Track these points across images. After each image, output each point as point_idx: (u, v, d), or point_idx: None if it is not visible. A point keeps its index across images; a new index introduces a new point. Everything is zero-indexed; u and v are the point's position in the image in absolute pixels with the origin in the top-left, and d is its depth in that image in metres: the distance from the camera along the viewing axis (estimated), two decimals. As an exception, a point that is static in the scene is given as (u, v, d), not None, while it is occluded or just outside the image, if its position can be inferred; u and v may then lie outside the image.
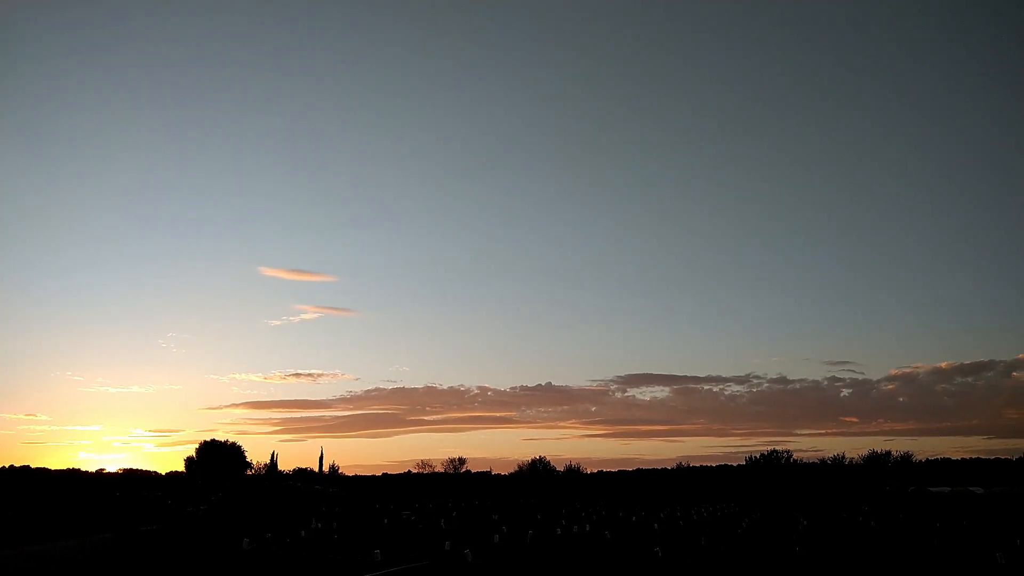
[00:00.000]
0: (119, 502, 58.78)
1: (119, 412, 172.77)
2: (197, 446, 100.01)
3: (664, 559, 23.05)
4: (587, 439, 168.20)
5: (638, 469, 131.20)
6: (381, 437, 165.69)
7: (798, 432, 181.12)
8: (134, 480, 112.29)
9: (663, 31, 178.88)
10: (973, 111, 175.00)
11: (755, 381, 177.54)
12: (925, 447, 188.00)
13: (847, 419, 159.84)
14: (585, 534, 32.90)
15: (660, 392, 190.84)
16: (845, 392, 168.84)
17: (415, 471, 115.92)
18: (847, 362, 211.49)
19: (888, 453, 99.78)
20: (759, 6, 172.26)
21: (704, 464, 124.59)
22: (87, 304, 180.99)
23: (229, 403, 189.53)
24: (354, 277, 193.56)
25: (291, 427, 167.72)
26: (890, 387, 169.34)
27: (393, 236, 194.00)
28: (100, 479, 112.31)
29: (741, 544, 28.32)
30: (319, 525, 35.92)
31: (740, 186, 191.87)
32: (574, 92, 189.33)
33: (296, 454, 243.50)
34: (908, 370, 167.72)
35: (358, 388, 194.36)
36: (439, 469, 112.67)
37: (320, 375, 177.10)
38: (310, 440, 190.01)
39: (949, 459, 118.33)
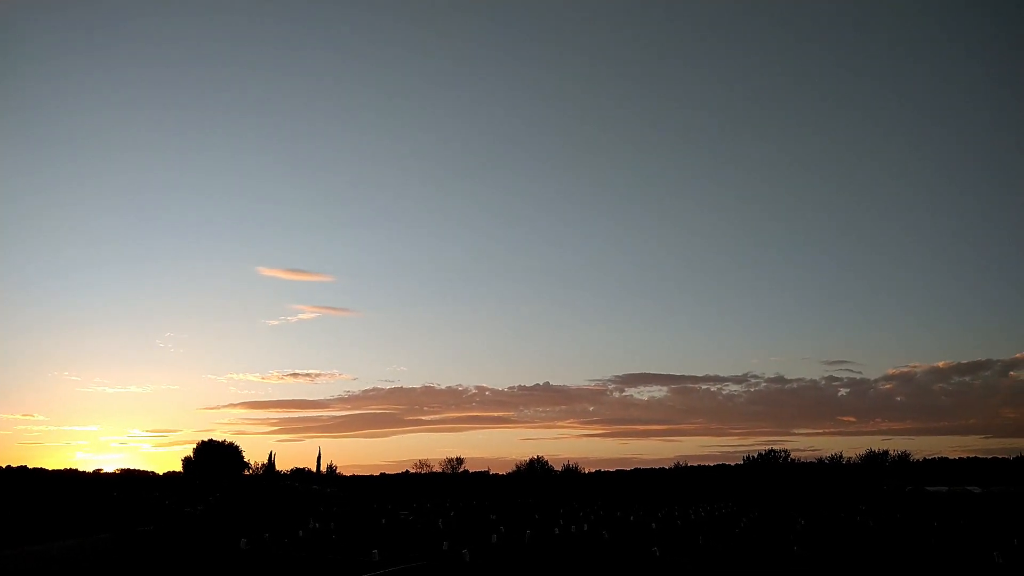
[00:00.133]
0: (116, 502, 58.67)
1: (116, 412, 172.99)
2: (195, 446, 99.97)
3: (662, 559, 23.07)
4: (585, 439, 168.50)
5: (636, 469, 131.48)
6: (379, 437, 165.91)
7: (796, 431, 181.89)
8: (131, 480, 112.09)
9: (662, 31, 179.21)
10: (973, 112, 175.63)
11: (753, 381, 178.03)
12: (922, 446, 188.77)
13: (845, 419, 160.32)
14: (583, 534, 32.90)
15: (658, 392, 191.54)
16: (843, 392, 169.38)
17: (413, 471, 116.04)
18: (845, 362, 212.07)
19: (886, 452, 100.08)
20: (759, 6, 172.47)
21: (702, 464, 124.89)
22: (85, 304, 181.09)
23: (227, 403, 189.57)
24: (352, 277, 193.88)
25: (289, 427, 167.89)
26: (888, 387, 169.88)
27: (391, 236, 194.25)
28: (97, 479, 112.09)
29: (739, 544, 28.34)
30: (317, 525, 35.88)
31: (739, 186, 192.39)
32: (572, 92, 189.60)
33: (294, 454, 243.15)
34: (905, 370, 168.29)
35: (356, 388, 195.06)
36: (437, 469, 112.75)
37: (318, 375, 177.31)
38: (308, 440, 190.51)
39: (946, 458, 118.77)
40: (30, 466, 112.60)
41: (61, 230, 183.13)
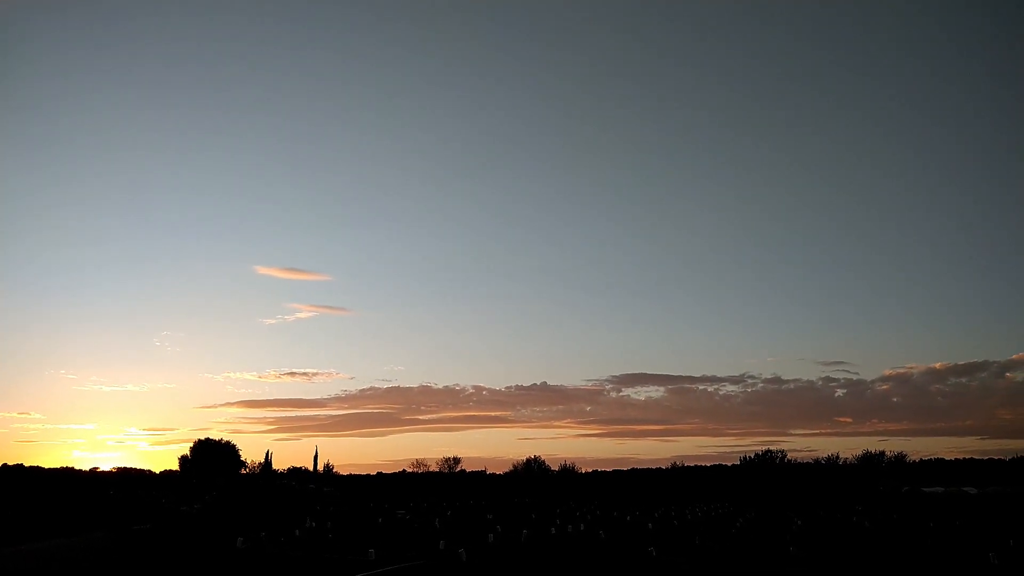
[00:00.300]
0: (113, 501, 58.64)
1: (113, 411, 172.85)
2: (191, 445, 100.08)
3: (658, 559, 23.08)
4: (582, 439, 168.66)
5: (633, 469, 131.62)
6: (376, 436, 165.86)
7: (792, 432, 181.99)
8: (128, 479, 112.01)
9: (661, 31, 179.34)
10: (973, 115, 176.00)
11: (750, 381, 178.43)
12: (919, 447, 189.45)
13: (841, 419, 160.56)
14: (580, 534, 32.91)
15: (655, 392, 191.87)
16: (839, 392, 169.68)
17: (410, 470, 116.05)
18: (841, 362, 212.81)
19: (882, 453, 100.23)
20: (758, 6, 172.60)
21: (699, 464, 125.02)
22: (82, 302, 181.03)
23: (224, 402, 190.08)
24: (349, 276, 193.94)
25: (286, 426, 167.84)
26: (884, 387, 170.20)
27: (388, 235, 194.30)
28: (94, 478, 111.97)
29: (735, 544, 28.36)
30: (313, 524, 35.86)
31: (736, 187, 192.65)
32: (568, 92, 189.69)
33: (291, 453, 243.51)
34: (902, 370, 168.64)
35: (353, 387, 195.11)
36: (434, 468, 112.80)
37: (315, 374, 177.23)
38: (305, 439, 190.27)
39: (943, 459, 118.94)
40: (27, 464, 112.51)
41: (58, 229, 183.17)
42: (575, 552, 25.50)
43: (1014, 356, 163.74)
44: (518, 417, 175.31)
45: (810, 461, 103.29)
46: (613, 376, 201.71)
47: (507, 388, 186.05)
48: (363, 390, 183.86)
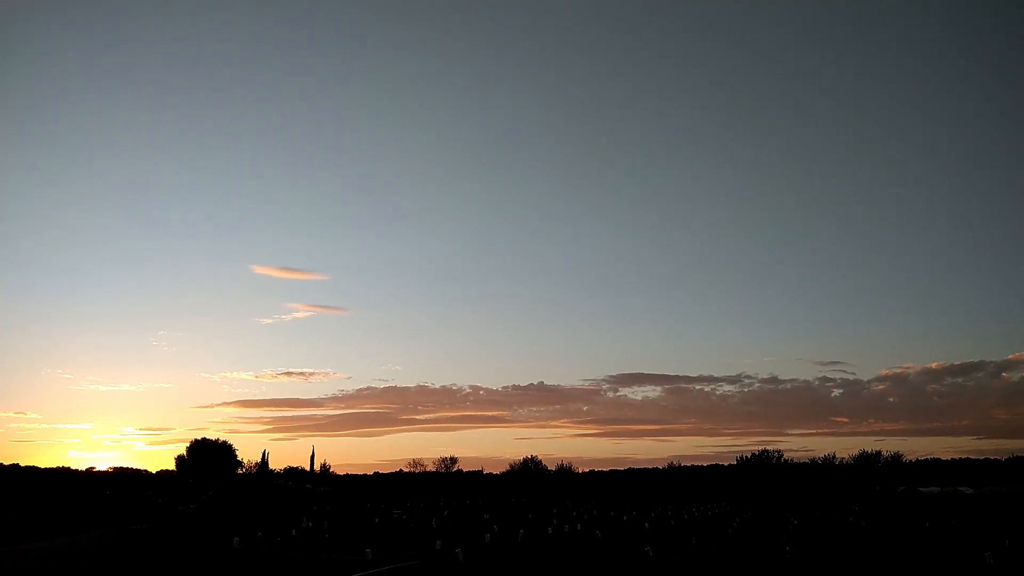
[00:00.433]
0: (109, 501, 58.51)
1: (110, 410, 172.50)
2: (188, 445, 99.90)
3: (655, 558, 23.08)
4: (579, 438, 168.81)
5: (629, 468, 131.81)
6: (373, 436, 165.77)
7: (789, 432, 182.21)
8: (124, 479, 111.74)
9: (660, 31, 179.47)
10: (973, 115, 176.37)
11: (746, 381, 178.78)
12: (915, 447, 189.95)
13: (838, 419, 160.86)
14: (576, 533, 32.91)
15: (652, 392, 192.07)
16: (836, 392, 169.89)
17: (407, 470, 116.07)
18: (838, 362, 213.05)
19: (878, 453, 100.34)
20: (759, 7, 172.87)
21: (695, 464, 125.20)
22: (78, 302, 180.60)
23: (220, 402, 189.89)
24: (346, 276, 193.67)
25: (282, 426, 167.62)
26: (881, 387, 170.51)
27: (385, 235, 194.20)
28: (90, 477, 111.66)
29: (732, 544, 28.39)
30: (310, 524, 35.82)
31: (733, 186, 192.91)
32: (566, 92, 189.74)
33: (287, 453, 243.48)
34: (899, 370, 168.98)
35: (350, 387, 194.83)
36: (431, 468, 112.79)
37: (312, 374, 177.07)
38: (301, 439, 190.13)
39: (939, 459, 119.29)
40: (22, 464, 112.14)
41: (54, 229, 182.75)
42: (572, 552, 25.50)
43: (1010, 356, 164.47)
44: (515, 417, 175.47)
45: (807, 461, 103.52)
46: (610, 376, 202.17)
47: (504, 388, 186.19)
48: (360, 390, 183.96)
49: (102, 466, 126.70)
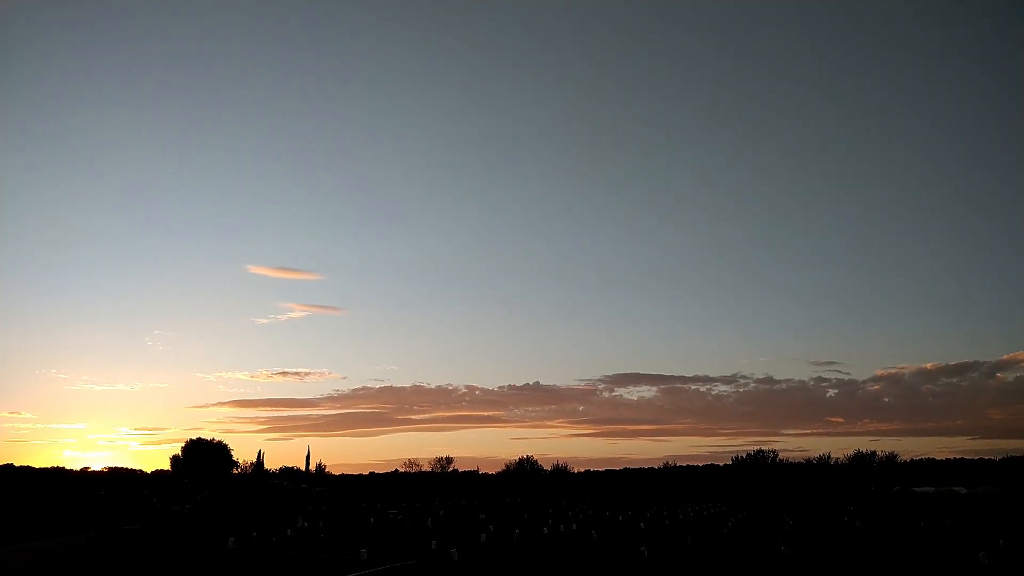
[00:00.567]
0: (104, 501, 58.34)
1: (104, 410, 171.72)
2: (183, 445, 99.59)
3: (650, 558, 23.11)
4: (574, 438, 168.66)
5: (625, 468, 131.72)
6: (368, 436, 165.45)
7: (784, 432, 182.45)
8: (119, 479, 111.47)
9: (659, 31, 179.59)
10: (972, 115, 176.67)
11: (742, 381, 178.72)
12: (910, 447, 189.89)
13: (833, 419, 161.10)
14: (572, 533, 32.92)
15: (647, 392, 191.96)
16: (831, 392, 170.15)
17: (402, 470, 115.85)
18: (833, 363, 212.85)
19: (873, 453, 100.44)
20: (759, 7, 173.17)
21: (691, 464, 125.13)
22: (73, 301, 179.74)
23: (215, 401, 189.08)
24: (341, 275, 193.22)
25: (278, 426, 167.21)
26: (876, 387, 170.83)
27: (381, 234, 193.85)
28: (85, 478, 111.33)
29: (727, 543, 28.43)
30: (305, 524, 35.76)
31: (727, 186, 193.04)
32: (564, 92, 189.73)
33: (283, 453, 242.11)
34: (893, 371, 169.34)
35: (345, 387, 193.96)
36: (426, 468, 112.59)
37: (307, 374, 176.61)
38: (297, 439, 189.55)
39: (934, 459, 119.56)
40: (17, 464, 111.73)
41: (49, 228, 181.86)
42: (567, 552, 25.51)
43: (1004, 356, 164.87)
44: (511, 417, 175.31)
45: (802, 461, 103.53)
46: (605, 376, 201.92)
47: (500, 388, 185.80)
48: (355, 390, 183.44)
49: (97, 466, 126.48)
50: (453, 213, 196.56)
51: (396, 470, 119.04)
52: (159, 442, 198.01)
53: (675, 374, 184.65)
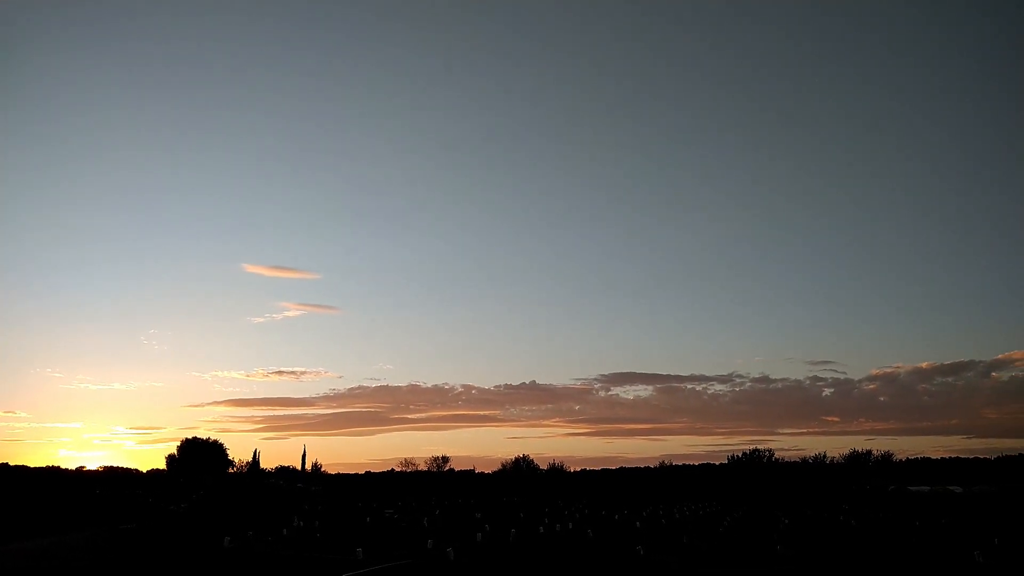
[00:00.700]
0: (99, 500, 58.24)
1: (100, 409, 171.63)
2: (179, 444, 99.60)
3: (646, 557, 23.12)
4: (571, 437, 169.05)
5: (621, 468, 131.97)
6: (364, 435, 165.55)
7: (780, 431, 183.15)
8: (115, 478, 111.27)
9: (659, 31, 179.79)
10: (969, 114, 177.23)
11: (738, 380, 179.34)
12: (905, 446, 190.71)
13: (829, 418, 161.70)
14: (568, 532, 32.93)
15: (643, 391, 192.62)
16: (827, 392, 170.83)
17: (398, 469, 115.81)
18: (829, 362, 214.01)
19: (869, 452, 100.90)
20: (758, 7, 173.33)
21: (687, 463, 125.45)
22: (69, 301, 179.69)
23: (211, 401, 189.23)
24: (338, 275, 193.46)
25: (274, 425, 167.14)
26: (871, 387, 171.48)
27: (377, 234, 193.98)
28: (80, 477, 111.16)
29: (723, 542, 28.47)
30: (301, 523, 35.71)
31: (725, 186, 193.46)
32: (562, 93, 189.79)
33: (279, 452, 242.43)
34: (889, 370, 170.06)
35: (341, 386, 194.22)
36: (422, 467, 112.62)
37: (303, 373, 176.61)
38: (293, 438, 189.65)
39: (929, 458, 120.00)
40: (12, 463, 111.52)
41: (46, 228, 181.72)
42: (563, 551, 25.51)
43: (999, 356, 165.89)
44: (507, 416, 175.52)
45: (797, 460, 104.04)
46: (602, 375, 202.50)
47: (496, 387, 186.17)
48: (351, 389, 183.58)
49: (92, 465, 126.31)
50: (449, 213, 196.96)
51: (392, 469, 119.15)
52: (155, 441, 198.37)
53: (671, 373, 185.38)
